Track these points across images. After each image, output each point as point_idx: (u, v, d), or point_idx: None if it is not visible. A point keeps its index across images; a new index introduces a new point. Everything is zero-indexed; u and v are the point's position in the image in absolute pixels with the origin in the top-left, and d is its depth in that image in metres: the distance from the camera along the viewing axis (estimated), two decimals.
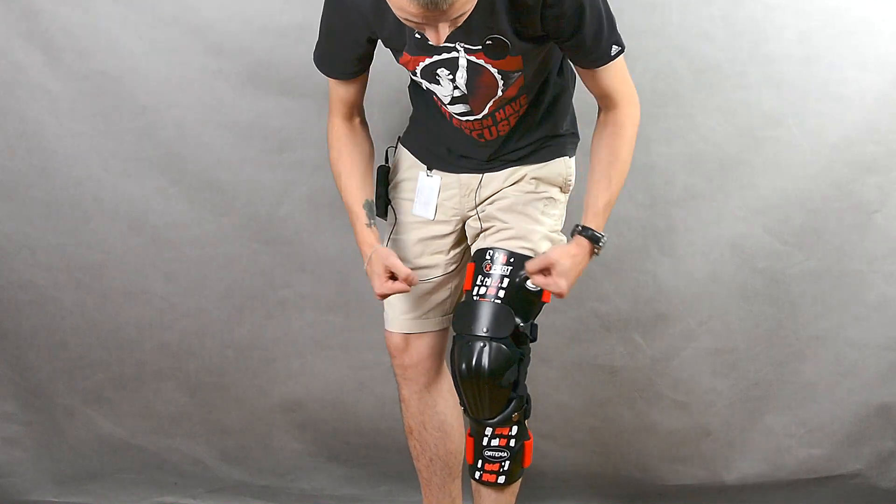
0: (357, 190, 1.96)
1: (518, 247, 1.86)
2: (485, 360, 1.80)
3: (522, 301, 1.84)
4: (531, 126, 1.91)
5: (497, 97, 1.82)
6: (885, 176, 2.41)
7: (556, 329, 2.49)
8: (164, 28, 2.36)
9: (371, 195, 1.99)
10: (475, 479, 1.93)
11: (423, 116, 2.01)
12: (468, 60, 1.76)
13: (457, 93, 1.83)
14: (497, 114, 1.87)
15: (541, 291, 1.84)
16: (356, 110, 1.99)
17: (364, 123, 2.01)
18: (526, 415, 1.90)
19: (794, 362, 2.52)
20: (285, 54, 2.39)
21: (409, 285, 1.85)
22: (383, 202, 2.05)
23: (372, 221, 1.97)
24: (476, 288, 1.85)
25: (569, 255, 1.78)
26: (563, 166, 1.94)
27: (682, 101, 2.38)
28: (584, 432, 2.57)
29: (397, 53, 1.83)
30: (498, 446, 1.89)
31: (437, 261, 2.01)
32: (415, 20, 1.52)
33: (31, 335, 2.55)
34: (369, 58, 1.89)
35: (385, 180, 2.06)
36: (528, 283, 1.82)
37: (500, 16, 1.67)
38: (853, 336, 2.49)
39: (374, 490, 2.61)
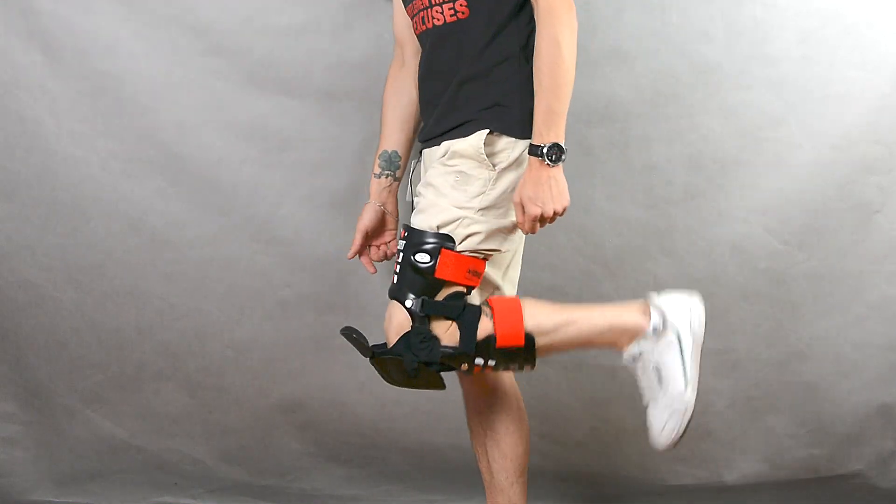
0: (383, 138, 2.06)
1: (417, 221, 1.84)
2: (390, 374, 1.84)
3: (412, 277, 1.81)
4: (471, 56, 1.82)
5: None
6: (886, 176, 2.41)
7: None
8: (164, 28, 2.36)
9: (397, 146, 2.05)
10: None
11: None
12: None
13: None
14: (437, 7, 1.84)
15: (433, 267, 1.79)
16: (405, 56, 2.05)
17: (409, 70, 2.04)
18: (465, 347, 1.79)
19: (794, 362, 2.52)
20: (285, 54, 2.39)
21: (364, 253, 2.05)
22: None
23: (384, 173, 2.05)
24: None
25: (521, 183, 1.76)
26: (478, 140, 1.81)
27: (682, 101, 2.38)
28: (584, 432, 2.57)
29: None
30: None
31: None
32: None
33: (31, 335, 2.55)
34: None
35: None
36: (415, 257, 1.81)
37: None
38: (854, 336, 2.49)
39: (374, 490, 2.61)
